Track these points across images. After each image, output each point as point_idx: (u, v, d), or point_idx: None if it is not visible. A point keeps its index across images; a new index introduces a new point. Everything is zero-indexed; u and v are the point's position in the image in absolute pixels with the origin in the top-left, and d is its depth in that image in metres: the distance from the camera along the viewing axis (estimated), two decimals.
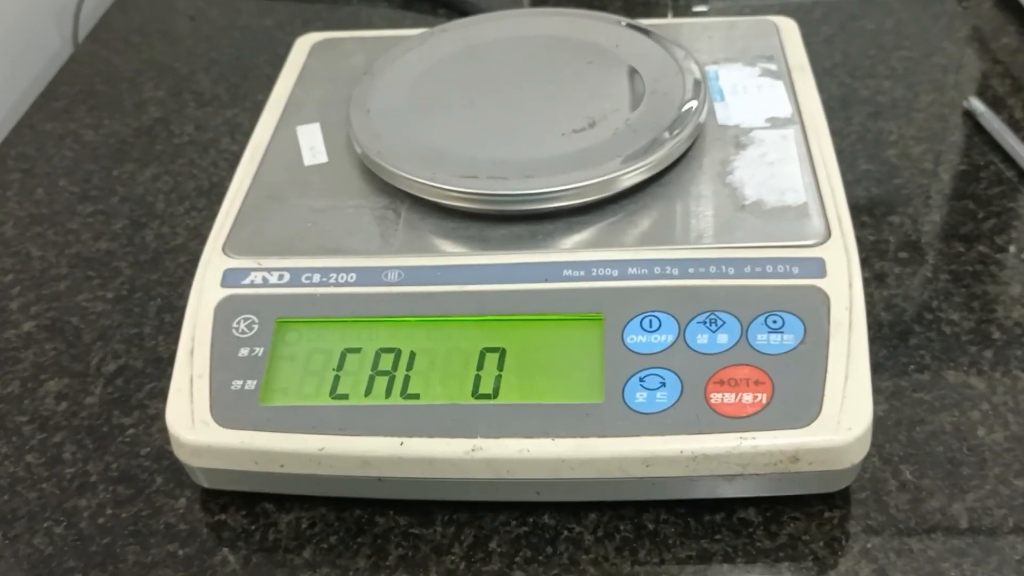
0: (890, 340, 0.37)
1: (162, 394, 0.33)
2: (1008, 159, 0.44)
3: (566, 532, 0.32)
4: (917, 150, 0.45)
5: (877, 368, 0.36)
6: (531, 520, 0.33)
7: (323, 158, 0.40)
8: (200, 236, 0.37)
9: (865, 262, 0.40)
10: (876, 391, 0.34)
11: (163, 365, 0.39)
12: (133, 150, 0.51)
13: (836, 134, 0.46)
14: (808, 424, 0.30)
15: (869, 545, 0.31)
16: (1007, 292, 0.39)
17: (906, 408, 0.35)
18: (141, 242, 0.45)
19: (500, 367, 0.32)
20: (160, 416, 0.34)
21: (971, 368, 0.36)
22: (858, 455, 0.30)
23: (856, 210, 0.42)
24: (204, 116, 0.53)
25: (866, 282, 0.39)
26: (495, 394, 0.32)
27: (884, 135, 0.46)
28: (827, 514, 0.32)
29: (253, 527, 0.33)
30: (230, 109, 0.53)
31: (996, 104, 0.47)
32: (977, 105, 0.46)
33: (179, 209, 0.47)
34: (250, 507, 0.34)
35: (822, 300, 0.32)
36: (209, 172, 0.49)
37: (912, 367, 0.36)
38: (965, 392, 0.35)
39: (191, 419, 0.32)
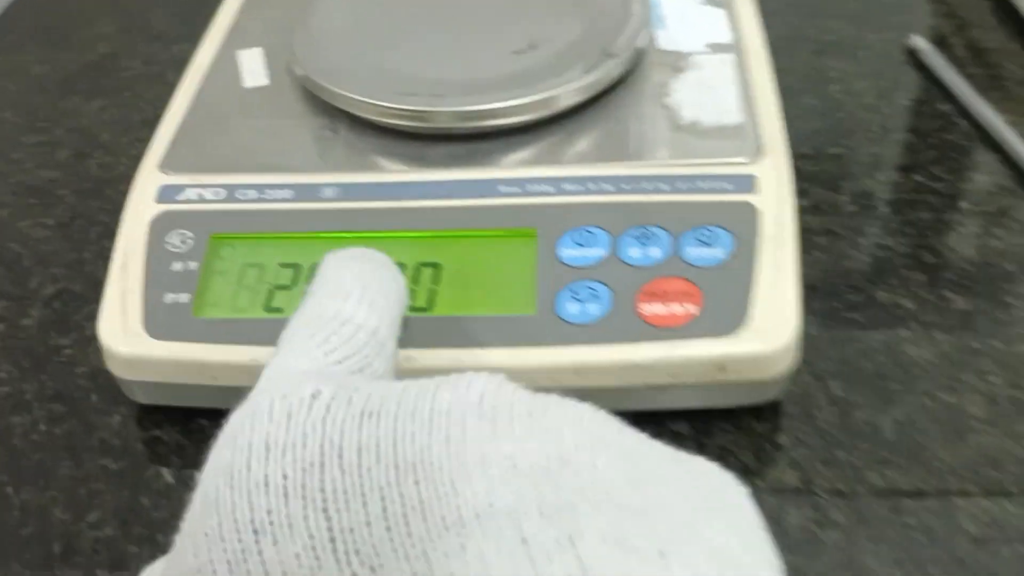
0: (825, 264, 0.38)
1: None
2: (948, 94, 0.44)
3: None
4: (860, 86, 0.46)
5: (812, 291, 0.36)
6: None
7: (264, 80, 0.39)
8: None
9: (805, 192, 0.40)
10: (810, 312, 0.35)
11: (101, 288, 0.38)
12: (80, 83, 0.50)
13: (780, 71, 0.46)
14: (735, 333, 0.30)
15: (796, 456, 0.32)
16: (941, 218, 0.39)
17: (838, 327, 0.35)
18: (84, 171, 0.45)
19: (435, 282, 0.32)
20: (97, 337, 0.33)
21: (902, 289, 0.37)
22: (783, 365, 0.31)
23: (797, 142, 0.42)
24: (153, 51, 0.52)
25: (804, 210, 0.39)
26: (430, 307, 0.32)
27: (828, 72, 0.47)
28: (756, 427, 0.33)
29: (187, 442, 0.33)
30: (179, 44, 0.52)
31: (940, 43, 0.48)
32: (920, 43, 0.46)
33: (123, 140, 0.46)
34: (185, 423, 0.34)
35: (752, 215, 0.32)
36: (155, 104, 0.48)
37: (845, 289, 0.37)
38: (896, 312, 0.36)
39: (123, 331, 0.32)
